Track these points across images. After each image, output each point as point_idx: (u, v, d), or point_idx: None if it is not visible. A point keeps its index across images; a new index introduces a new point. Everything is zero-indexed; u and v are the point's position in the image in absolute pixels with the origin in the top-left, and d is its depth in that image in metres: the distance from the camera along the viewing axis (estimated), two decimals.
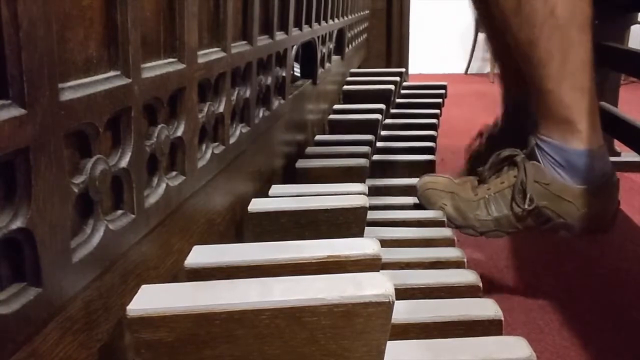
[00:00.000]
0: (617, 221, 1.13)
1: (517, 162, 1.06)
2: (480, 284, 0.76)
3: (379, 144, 1.39)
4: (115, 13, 0.47)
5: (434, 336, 0.64)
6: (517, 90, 1.30)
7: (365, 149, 1.20)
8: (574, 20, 0.97)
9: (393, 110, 1.72)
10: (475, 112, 3.35)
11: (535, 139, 1.07)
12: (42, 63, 0.37)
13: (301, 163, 1.11)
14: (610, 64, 2.14)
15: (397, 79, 1.89)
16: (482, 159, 1.23)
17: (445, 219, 1.02)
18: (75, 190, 0.42)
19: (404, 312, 0.66)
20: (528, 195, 1.03)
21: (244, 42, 0.82)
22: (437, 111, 1.71)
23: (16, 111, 0.35)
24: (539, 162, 1.05)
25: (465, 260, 0.84)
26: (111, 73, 0.47)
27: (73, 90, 0.41)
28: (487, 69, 4.92)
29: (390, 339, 0.50)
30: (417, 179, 1.12)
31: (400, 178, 1.21)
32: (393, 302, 0.48)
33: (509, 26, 1.00)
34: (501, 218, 1.07)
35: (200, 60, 0.64)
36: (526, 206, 1.03)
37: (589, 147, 1.02)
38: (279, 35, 0.98)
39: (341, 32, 1.74)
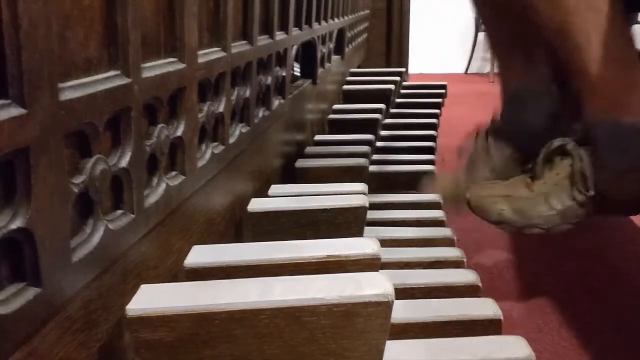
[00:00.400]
0: (617, 222, 1.13)
1: (570, 151, 1.02)
2: (480, 284, 0.76)
3: (379, 144, 1.39)
4: (115, 13, 0.47)
5: (434, 336, 0.64)
6: (517, 82, 1.29)
7: (365, 149, 1.20)
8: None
9: (393, 110, 1.72)
10: (476, 111, 3.35)
11: (583, 125, 1.03)
12: (42, 63, 0.37)
13: (301, 163, 1.11)
14: None
15: (397, 79, 1.90)
16: (482, 159, 1.22)
17: (445, 219, 1.02)
18: (76, 190, 0.42)
19: (404, 312, 0.66)
20: (591, 182, 0.99)
21: (245, 42, 0.82)
22: (438, 111, 1.71)
23: (16, 111, 0.35)
24: (591, 145, 1.01)
25: (465, 260, 0.84)
26: (111, 73, 0.47)
27: (73, 90, 0.41)
28: (487, 68, 4.91)
29: (390, 339, 0.50)
30: (467, 192, 1.08)
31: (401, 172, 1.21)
32: (393, 302, 0.48)
33: (540, 11, 0.98)
34: (566, 210, 1.03)
35: (201, 60, 0.64)
36: (590, 192, 0.99)
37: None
38: (280, 35, 0.98)
39: (341, 32, 1.74)
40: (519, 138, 1.17)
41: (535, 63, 1.26)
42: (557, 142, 1.05)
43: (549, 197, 1.03)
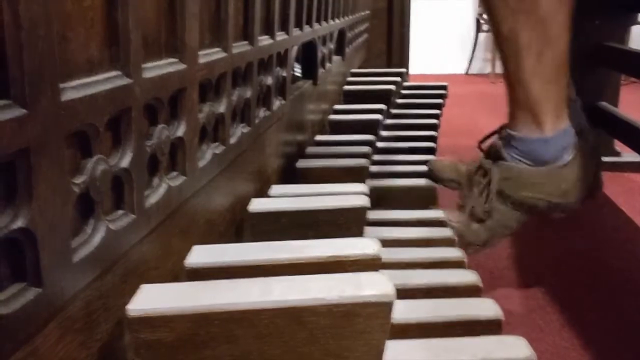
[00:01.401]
0: (617, 222, 1.13)
1: (486, 168, 1.08)
2: (481, 284, 0.76)
3: (380, 144, 1.39)
4: (116, 13, 0.47)
5: (434, 336, 0.64)
6: None
7: (366, 149, 1.20)
8: (557, 16, 0.98)
9: (394, 111, 1.72)
10: (476, 112, 3.35)
11: (496, 141, 1.09)
12: (43, 63, 0.37)
13: (301, 163, 1.11)
14: (610, 64, 2.14)
15: (398, 79, 1.90)
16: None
17: (445, 218, 1.02)
18: (76, 190, 0.42)
19: (404, 311, 0.66)
20: (491, 193, 1.05)
21: (245, 42, 0.82)
22: (438, 111, 1.71)
23: (17, 111, 0.35)
24: (504, 159, 1.06)
25: (465, 260, 0.84)
26: (112, 73, 0.47)
27: (74, 90, 0.41)
28: (488, 69, 4.92)
29: (390, 339, 0.50)
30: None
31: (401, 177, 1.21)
32: (393, 302, 0.48)
33: (494, 16, 1.02)
34: (489, 224, 1.08)
35: (201, 61, 0.64)
36: (491, 203, 1.05)
37: (550, 135, 1.04)
38: (280, 36, 0.99)
39: (342, 32, 1.74)
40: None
41: None
42: (477, 163, 1.11)
43: (472, 215, 1.07)
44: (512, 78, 1.04)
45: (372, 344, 0.49)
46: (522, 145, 1.05)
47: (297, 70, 1.38)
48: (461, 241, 1.05)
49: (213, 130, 0.71)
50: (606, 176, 2.07)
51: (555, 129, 1.04)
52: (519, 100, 1.04)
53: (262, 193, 0.89)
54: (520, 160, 1.05)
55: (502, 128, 1.18)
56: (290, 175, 1.09)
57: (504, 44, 1.03)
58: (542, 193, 1.05)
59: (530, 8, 0.98)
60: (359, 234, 0.79)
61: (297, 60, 1.36)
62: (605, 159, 2.18)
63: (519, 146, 1.05)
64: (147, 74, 0.52)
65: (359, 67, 2.23)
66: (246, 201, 0.79)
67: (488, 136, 1.19)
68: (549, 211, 1.08)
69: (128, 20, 0.48)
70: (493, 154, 1.09)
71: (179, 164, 0.61)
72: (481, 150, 1.19)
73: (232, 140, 0.77)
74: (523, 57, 1.00)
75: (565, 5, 0.99)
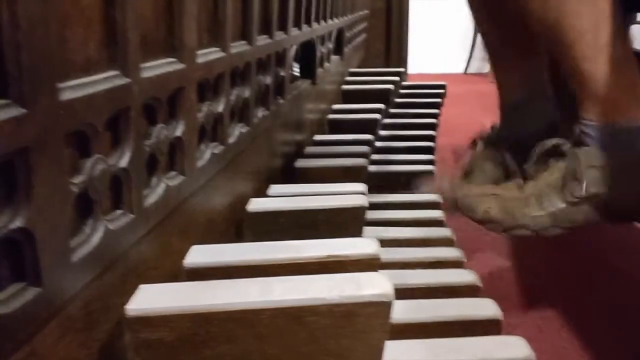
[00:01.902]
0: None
1: (566, 151, 0.99)
2: (480, 284, 0.76)
3: (378, 144, 1.39)
4: (114, 13, 0.47)
5: (433, 336, 0.64)
6: (515, 91, 1.29)
7: (365, 148, 1.20)
8: None
9: (392, 110, 1.72)
10: (475, 111, 3.35)
11: (579, 126, 1.00)
12: (41, 63, 0.37)
13: (300, 163, 1.11)
14: None
15: (397, 78, 1.90)
16: (480, 167, 1.22)
17: (444, 219, 1.01)
18: (75, 190, 0.42)
19: (403, 311, 0.66)
20: (584, 182, 0.95)
21: (244, 41, 0.82)
22: (437, 111, 1.71)
23: (16, 111, 0.35)
24: (587, 146, 0.98)
25: (464, 260, 0.84)
26: (110, 73, 0.47)
27: (72, 90, 0.41)
28: (486, 68, 4.91)
29: (389, 339, 0.50)
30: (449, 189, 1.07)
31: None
32: (392, 302, 0.48)
33: (532, 10, 0.97)
34: (557, 212, 0.99)
35: (200, 60, 0.64)
36: (583, 193, 0.95)
37: (637, 124, 0.95)
38: (278, 35, 0.98)
39: (340, 32, 1.73)
40: (518, 148, 1.16)
41: (533, 71, 1.25)
42: (550, 142, 1.02)
43: (539, 198, 0.99)
44: (573, 69, 0.95)
45: (372, 343, 0.49)
46: (606, 135, 0.96)
47: (296, 70, 1.38)
48: (507, 221, 0.98)
49: (212, 130, 0.71)
50: None
51: (637, 117, 0.95)
52: (589, 89, 0.95)
53: (261, 193, 0.89)
54: (605, 151, 0.95)
55: (474, 141, 1.16)
56: (289, 174, 1.09)
57: (553, 37, 0.96)
58: (625, 191, 0.96)
59: None
60: (358, 233, 0.79)
61: (296, 59, 1.36)
62: None
63: (602, 136, 0.96)
64: (146, 74, 0.52)
65: (358, 67, 2.23)
66: (245, 201, 0.79)
67: (467, 149, 1.17)
68: (622, 215, 0.99)
69: (126, 19, 0.48)
70: (575, 140, 0.99)
71: (178, 164, 0.61)
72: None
73: (231, 140, 0.77)
74: (578, 43, 0.93)
75: None
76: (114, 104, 0.47)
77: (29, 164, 0.37)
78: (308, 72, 1.37)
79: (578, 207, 0.97)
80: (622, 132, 0.96)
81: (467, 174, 1.20)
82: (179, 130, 0.60)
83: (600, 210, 0.98)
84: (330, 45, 1.58)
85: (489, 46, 1.34)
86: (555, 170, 0.99)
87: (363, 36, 2.42)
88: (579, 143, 0.99)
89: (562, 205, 0.98)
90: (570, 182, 0.96)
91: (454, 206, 1.05)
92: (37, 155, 0.37)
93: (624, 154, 0.96)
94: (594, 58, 0.94)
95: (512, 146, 1.17)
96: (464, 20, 4.96)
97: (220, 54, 0.71)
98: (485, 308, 0.68)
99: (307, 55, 1.37)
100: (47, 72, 0.37)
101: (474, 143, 1.27)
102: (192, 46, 0.61)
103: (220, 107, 0.72)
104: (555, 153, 1.01)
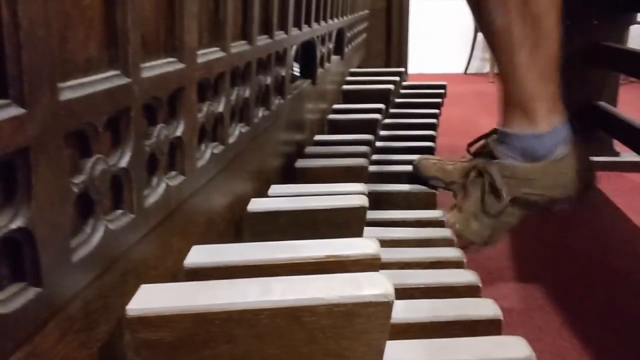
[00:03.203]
0: (616, 222, 1.13)
1: (480, 169, 1.08)
2: (480, 284, 0.76)
3: (378, 144, 1.39)
4: (115, 13, 0.47)
5: (434, 336, 0.64)
6: None
7: (365, 148, 1.20)
8: (550, 12, 0.99)
9: (392, 110, 1.72)
10: (475, 111, 3.35)
11: (489, 140, 1.09)
12: (42, 63, 0.37)
13: (300, 163, 1.11)
14: (609, 64, 2.15)
15: (397, 78, 1.90)
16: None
17: (445, 219, 1.02)
18: (75, 190, 0.42)
19: (404, 311, 0.66)
20: (502, 192, 1.04)
21: (244, 41, 0.82)
22: (437, 111, 1.71)
23: (16, 111, 0.35)
24: (498, 158, 1.07)
25: (464, 260, 0.84)
26: (111, 73, 0.47)
27: (73, 90, 0.41)
28: (487, 68, 4.92)
29: (389, 339, 0.50)
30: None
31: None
32: (393, 302, 0.48)
33: (487, 13, 1.02)
34: (492, 223, 1.08)
35: (200, 60, 0.64)
36: (505, 202, 1.04)
37: (545, 130, 1.04)
38: (279, 35, 0.98)
39: (341, 32, 1.73)
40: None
41: None
42: (472, 162, 1.12)
43: (475, 215, 1.08)
44: (505, 74, 1.04)
45: (372, 344, 0.49)
46: (517, 142, 1.05)
47: (296, 70, 1.38)
48: (461, 241, 1.05)
49: (212, 130, 0.71)
50: (605, 176, 2.07)
51: (550, 124, 1.04)
52: (512, 97, 1.04)
53: (261, 193, 0.89)
54: (514, 158, 1.06)
55: (492, 132, 1.19)
56: (290, 174, 1.09)
57: (496, 40, 1.04)
58: (540, 188, 1.05)
59: (524, 3, 0.99)
60: (359, 233, 0.79)
61: (296, 59, 1.36)
62: (604, 159, 2.18)
63: (513, 143, 1.05)
64: (146, 74, 0.52)
65: (358, 67, 2.23)
66: (245, 201, 0.79)
67: (478, 139, 1.20)
68: (549, 206, 1.08)
69: (127, 19, 0.48)
70: (486, 154, 1.10)
71: (178, 164, 0.61)
72: (470, 153, 1.20)
73: (231, 140, 0.77)
74: (516, 52, 1.01)
75: (558, 3, 1.00)
76: (114, 104, 0.47)
77: (29, 163, 0.37)
78: (308, 72, 1.37)
79: (506, 214, 1.07)
80: (530, 136, 1.05)
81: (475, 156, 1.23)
82: (179, 130, 0.60)
83: (525, 207, 1.07)
84: (331, 45, 1.58)
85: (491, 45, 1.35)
86: (477, 188, 1.09)
87: (363, 36, 2.42)
88: (490, 156, 1.08)
89: (491, 219, 1.07)
90: (489, 199, 1.06)
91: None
92: (37, 155, 0.37)
93: (535, 157, 1.05)
94: (527, 69, 1.01)
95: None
96: (464, 20, 4.96)
97: (221, 54, 0.71)
98: (485, 308, 0.68)
99: (308, 55, 1.37)
100: (47, 72, 0.37)
101: (472, 144, 1.27)
102: (193, 46, 0.61)
103: (220, 107, 0.72)
104: (475, 172, 1.10)
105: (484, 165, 1.08)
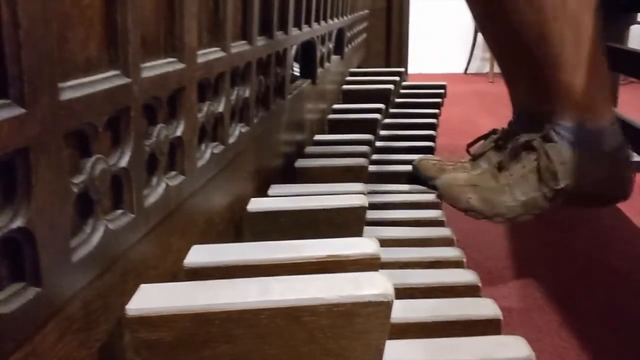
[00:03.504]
0: (617, 222, 1.13)
1: (536, 146, 1.08)
2: (480, 284, 0.76)
3: (378, 144, 1.39)
4: (115, 13, 0.47)
5: (433, 336, 0.64)
6: (524, 98, 1.29)
7: (365, 148, 1.20)
8: (584, 6, 0.98)
9: (392, 110, 1.72)
10: (475, 111, 3.35)
11: (549, 125, 1.08)
12: (42, 62, 0.37)
13: (300, 163, 1.11)
14: (609, 64, 2.14)
15: (397, 78, 1.90)
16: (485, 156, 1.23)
17: (445, 219, 1.02)
18: (75, 190, 0.42)
19: (403, 311, 0.66)
20: (559, 176, 1.04)
21: (244, 41, 0.82)
22: (437, 111, 1.71)
23: (16, 111, 0.35)
24: (556, 142, 1.07)
25: (464, 260, 0.84)
26: (111, 73, 0.47)
27: (73, 89, 0.41)
28: (487, 68, 4.92)
29: (389, 339, 0.50)
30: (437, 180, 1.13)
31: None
32: (392, 302, 0.48)
33: (520, 21, 1.01)
34: (528, 201, 1.08)
35: (200, 60, 0.64)
36: (559, 186, 1.04)
37: (604, 126, 1.05)
38: (279, 35, 0.99)
39: (341, 32, 1.74)
40: None
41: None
42: (524, 137, 1.11)
43: (512, 189, 1.08)
44: (552, 78, 1.03)
45: (372, 343, 0.49)
46: (574, 135, 1.05)
47: (296, 70, 1.38)
48: (487, 210, 1.06)
49: (212, 130, 0.71)
50: None
51: (609, 119, 1.04)
52: (565, 97, 1.04)
53: (261, 192, 0.89)
54: (570, 148, 1.05)
55: (491, 132, 1.19)
56: (289, 174, 1.09)
57: (536, 49, 1.03)
58: (593, 182, 1.05)
59: (556, 6, 0.98)
60: (358, 233, 0.79)
61: (296, 59, 1.36)
62: None
63: (570, 135, 1.05)
64: (146, 74, 0.52)
65: (358, 67, 2.23)
66: (245, 201, 0.79)
67: (477, 139, 1.20)
68: (594, 202, 1.09)
69: (127, 19, 0.48)
70: (542, 136, 1.08)
71: (178, 164, 0.61)
72: (469, 153, 1.20)
73: (231, 140, 0.77)
74: (559, 55, 1.01)
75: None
76: (114, 103, 0.47)
77: (29, 163, 0.37)
78: (308, 72, 1.37)
79: (551, 197, 1.07)
80: (591, 131, 1.06)
81: (475, 158, 1.23)
82: (179, 130, 0.60)
83: (564, 198, 1.08)
84: (331, 45, 1.58)
85: (494, 49, 1.35)
86: (527, 163, 1.08)
87: (363, 36, 2.42)
88: (547, 139, 1.08)
89: (534, 195, 1.07)
90: (547, 176, 1.06)
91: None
92: (37, 155, 0.37)
93: (591, 150, 1.06)
94: (574, 70, 1.02)
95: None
96: (464, 20, 4.96)
97: (221, 54, 0.71)
98: (484, 308, 0.68)
99: (308, 55, 1.37)
100: (47, 72, 0.37)
101: (471, 145, 1.28)
102: (193, 46, 0.61)
103: (220, 107, 0.72)
104: (527, 147, 1.10)
105: (540, 144, 1.07)
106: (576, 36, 1.00)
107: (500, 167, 1.13)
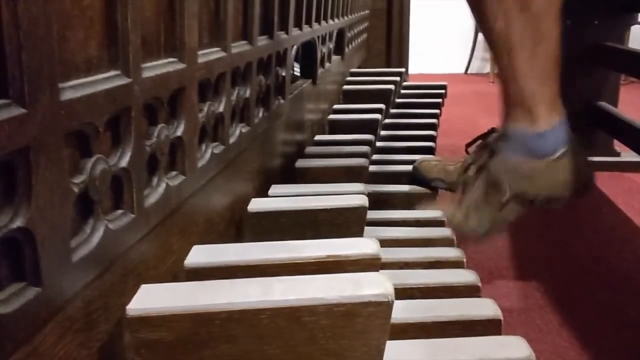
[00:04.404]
0: (616, 222, 1.13)
1: (481, 164, 1.09)
2: (480, 284, 0.76)
3: (379, 144, 1.39)
4: (115, 13, 0.47)
5: (433, 336, 0.64)
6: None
7: (365, 148, 1.20)
8: (548, 12, 1.00)
9: (393, 110, 1.72)
10: (475, 111, 3.35)
11: (491, 138, 1.10)
12: (42, 63, 0.37)
13: (301, 163, 1.11)
14: (610, 64, 2.15)
15: (397, 78, 1.90)
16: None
17: (445, 219, 1.02)
18: (75, 190, 0.42)
19: (403, 311, 0.66)
20: (503, 185, 1.05)
21: (244, 42, 0.82)
22: (437, 111, 1.71)
23: (16, 111, 0.35)
24: (498, 155, 1.08)
25: (464, 260, 0.84)
26: (111, 73, 0.47)
27: (73, 90, 0.41)
28: (487, 68, 4.92)
29: (389, 339, 0.50)
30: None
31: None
32: (392, 302, 0.48)
33: (486, 13, 1.03)
34: (492, 218, 1.08)
35: (201, 60, 0.64)
36: (507, 197, 1.05)
37: (545, 129, 1.05)
38: (279, 35, 0.99)
39: (341, 32, 1.74)
40: None
41: None
42: (469, 159, 1.13)
43: (475, 209, 1.08)
44: (506, 74, 1.05)
45: (372, 343, 0.49)
46: (518, 140, 1.06)
47: (297, 70, 1.38)
48: (460, 234, 1.05)
49: (212, 130, 0.71)
50: (605, 176, 2.07)
51: (549, 123, 1.05)
52: (513, 96, 1.05)
53: (262, 193, 0.89)
54: (515, 155, 1.06)
55: (490, 132, 1.19)
56: (290, 175, 1.09)
57: (496, 41, 1.04)
58: (537, 186, 1.06)
59: (523, 5, 1.00)
60: (359, 233, 0.79)
61: (297, 59, 1.36)
62: (604, 159, 2.18)
63: (515, 141, 1.06)
64: (147, 74, 0.52)
65: (359, 67, 2.23)
66: (246, 201, 0.79)
67: (476, 139, 1.20)
68: (545, 204, 1.09)
69: (127, 19, 0.48)
70: (487, 151, 1.10)
71: (179, 164, 0.61)
72: (468, 153, 1.20)
73: (232, 140, 0.77)
74: (516, 52, 1.01)
75: (556, 2, 1.01)
76: (114, 104, 0.47)
77: (29, 163, 0.37)
78: (309, 72, 1.37)
79: (507, 209, 1.07)
80: (532, 138, 1.05)
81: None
82: (179, 130, 0.60)
83: (523, 204, 1.07)
84: (331, 45, 1.58)
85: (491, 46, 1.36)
86: (479, 184, 1.10)
87: (364, 36, 2.42)
88: (492, 154, 1.09)
89: (493, 213, 1.07)
90: (493, 193, 1.07)
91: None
92: (38, 155, 0.37)
93: (536, 155, 1.05)
94: (527, 71, 1.02)
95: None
96: (465, 20, 4.96)
97: (221, 54, 0.71)
98: (485, 308, 0.68)
99: (308, 55, 1.37)
100: (47, 72, 0.37)
101: (470, 144, 1.28)
102: (193, 46, 0.61)
103: (221, 107, 0.72)
104: (476, 167, 1.11)
105: (484, 161, 1.09)
106: (535, 40, 1.01)
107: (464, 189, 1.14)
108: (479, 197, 1.09)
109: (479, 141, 1.18)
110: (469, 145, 1.22)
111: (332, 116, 1.50)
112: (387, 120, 1.58)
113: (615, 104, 2.21)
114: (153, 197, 0.55)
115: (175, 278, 0.60)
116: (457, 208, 1.10)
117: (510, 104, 1.06)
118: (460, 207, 1.10)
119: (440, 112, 1.74)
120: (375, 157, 1.29)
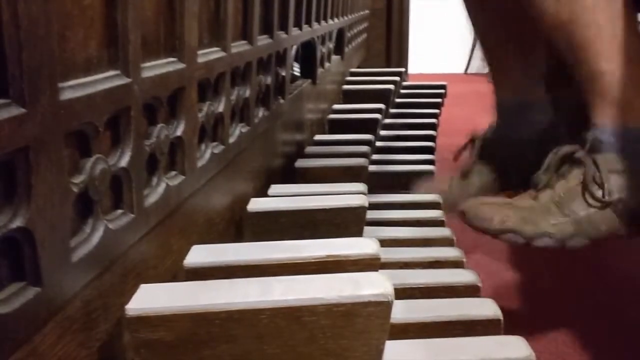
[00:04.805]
0: None
1: (581, 158, 0.95)
2: (480, 284, 0.76)
3: (379, 144, 1.39)
4: (115, 13, 0.47)
5: (433, 336, 0.64)
6: (511, 93, 1.27)
7: (365, 148, 1.20)
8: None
9: (392, 110, 1.72)
10: (475, 111, 3.35)
11: (592, 132, 0.96)
12: (42, 62, 0.37)
13: (300, 163, 1.11)
14: None
15: (397, 78, 1.90)
16: (477, 170, 1.22)
17: (445, 219, 1.01)
18: (75, 189, 0.42)
19: (403, 311, 0.66)
20: (607, 187, 0.91)
21: (244, 41, 0.82)
22: (437, 111, 1.71)
23: (16, 110, 0.35)
24: (600, 152, 0.94)
25: (464, 260, 0.84)
26: (111, 72, 0.47)
27: (73, 89, 0.41)
28: (487, 68, 4.91)
29: (389, 339, 0.50)
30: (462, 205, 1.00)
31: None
32: (392, 302, 0.48)
33: (545, 10, 0.91)
34: (580, 219, 0.93)
35: (200, 60, 0.64)
36: (607, 197, 0.91)
37: None
38: (279, 35, 0.98)
39: (341, 32, 1.73)
40: (512, 152, 1.15)
41: (529, 75, 1.25)
42: (564, 149, 0.98)
43: (560, 205, 0.94)
44: (588, 70, 0.92)
45: (372, 343, 0.49)
46: (622, 139, 0.92)
47: (296, 70, 1.38)
48: (529, 230, 0.92)
49: (212, 130, 0.71)
50: None
51: None
52: (605, 90, 0.92)
53: (261, 192, 0.89)
54: (622, 156, 0.92)
55: (471, 140, 1.13)
56: (290, 174, 1.09)
57: (567, 38, 0.92)
58: None
59: None
60: (359, 233, 0.79)
61: (296, 59, 1.36)
62: None
63: (618, 141, 0.92)
64: (146, 74, 0.52)
65: (358, 67, 2.23)
66: (245, 201, 0.79)
67: (462, 149, 1.17)
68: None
69: (127, 19, 0.48)
70: (589, 148, 0.95)
71: (178, 164, 0.61)
72: (455, 161, 1.17)
73: (231, 140, 0.77)
74: (594, 42, 0.89)
75: None
76: (114, 103, 0.47)
77: (29, 163, 0.37)
78: (308, 72, 1.37)
79: (601, 214, 0.93)
80: (637, 136, 0.93)
81: (465, 175, 1.20)
82: (179, 130, 0.60)
83: (623, 218, 0.93)
84: (331, 45, 1.58)
85: (485, 46, 1.33)
86: (573, 178, 0.95)
87: (363, 36, 2.42)
88: (595, 149, 0.94)
89: (585, 211, 0.93)
90: (592, 187, 0.92)
91: (453, 207, 1.03)
92: (37, 155, 0.37)
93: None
94: (611, 56, 0.90)
95: (507, 149, 1.18)
96: (465, 20, 4.96)
97: (221, 54, 0.71)
98: (485, 308, 0.68)
99: (308, 55, 1.37)
100: (47, 71, 0.37)
101: (470, 142, 1.27)
102: (193, 46, 0.61)
103: (220, 107, 0.72)
104: (569, 160, 0.97)
105: (586, 156, 0.94)
106: (611, 19, 0.88)
107: (537, 186, 0.98)
108: (571, 192, 0.93)
109: (466, 149, 1.14)
110: (456, 157, 1.18)
111: (331, 116, 1.50)
112: (387, 120, 1.58)
113: None
114: (153, 197, 0.55)
115: (174, 278, 0.60)
116: (509, 207, 0.96)
117: (601, 98, 0.93)
118: (517, 207, 0.95)
119: (440, 112, 1.74)
120: (375, 157, 1.29)
